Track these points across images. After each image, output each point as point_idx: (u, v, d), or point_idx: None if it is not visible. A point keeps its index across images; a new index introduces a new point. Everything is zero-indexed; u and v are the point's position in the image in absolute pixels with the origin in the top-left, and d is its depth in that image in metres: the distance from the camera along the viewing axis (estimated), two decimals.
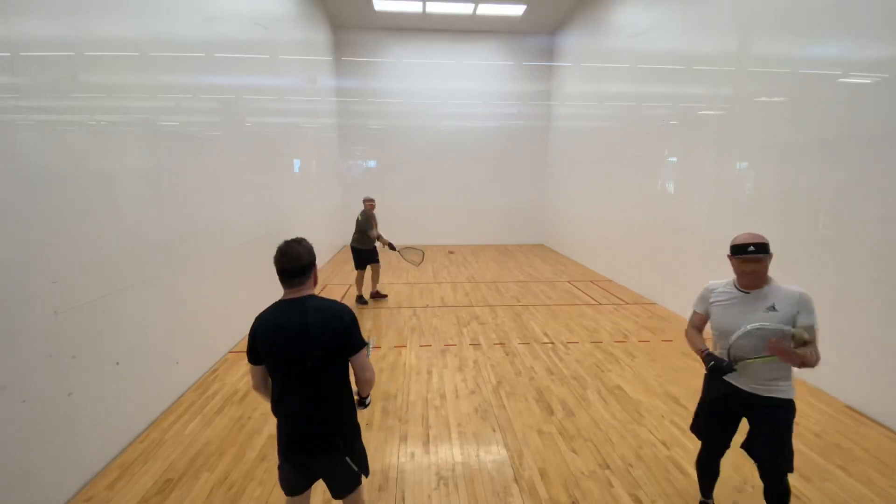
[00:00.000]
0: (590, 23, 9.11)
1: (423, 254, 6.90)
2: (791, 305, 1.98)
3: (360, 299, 6.53)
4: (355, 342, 1.80)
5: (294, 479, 1.90)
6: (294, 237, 1.84)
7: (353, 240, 6.46)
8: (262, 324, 1.81)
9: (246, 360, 1.99)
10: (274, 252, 1.80)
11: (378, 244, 6.48)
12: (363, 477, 1.95)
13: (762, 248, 2.00)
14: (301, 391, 1.78)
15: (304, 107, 8.41)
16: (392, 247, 6.44)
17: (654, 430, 3.27)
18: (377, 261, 6.60)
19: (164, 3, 3.65)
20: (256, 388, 1.90)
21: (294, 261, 1.75)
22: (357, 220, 6.43)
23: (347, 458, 1.86)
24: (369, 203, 6.60)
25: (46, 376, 2.40)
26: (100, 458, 2.82)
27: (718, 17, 5.27)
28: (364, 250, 6.42)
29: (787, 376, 2.08)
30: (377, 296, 6.77)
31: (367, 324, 5.63)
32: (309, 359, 1.74)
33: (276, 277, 1.81)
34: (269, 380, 1.88)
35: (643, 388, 3.93)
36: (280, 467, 1.91)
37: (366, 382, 1.91)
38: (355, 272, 6.54)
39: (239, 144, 5.12)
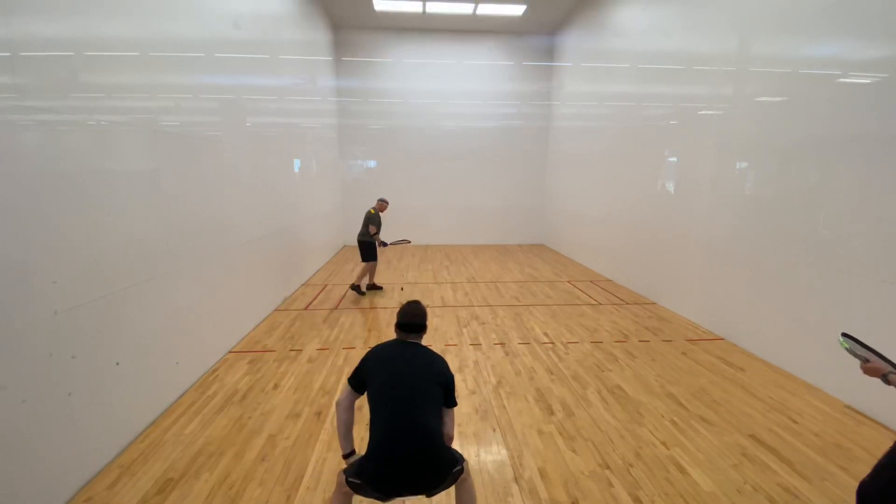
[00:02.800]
0: (590, 23, 9.11)
1: (409, 241, 7.41)
2: None
3: (358, 289, 6.88)
4: (453, 398, 2.09)
5: (382, 499, 1.96)
6: (414, 300, 2.26)
7: (361, 234, 6.85)
8: (376, 351, 2.11)
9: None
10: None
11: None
12: (464, 465, 2.05)
13: None
14: (406, 423, 1.89)
15: (304, 107, 8.41)
16: (384, 244, 6.87)
17: (654, 430, 3.27)
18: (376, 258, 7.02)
19: (165, 3, 3.65)
20: (339, 403, 2.09)
21: (418, 318, 2.16)
22: (368, 213, 6.83)
23: (452, 470, 1.97)
24: (381, 203, 6.98)
25: (46, 376, 2.40)
26: (100, 458, 2.82)
27: (718, 17, 5.27)
28: (371, 243, 6.82)
29: None
30: (373, 287, 7.18)
31: (367, 324, 5.63)
32: (419, 390, 1.95)
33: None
34: (356, 407, 2.13)
35: (643, 388, 3.93)
36: (357, 486, 1.93)
37: (450, 439, 2.09)
38: (359, 267, 6.94)
39: (239, 144, 5.12)
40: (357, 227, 7.13)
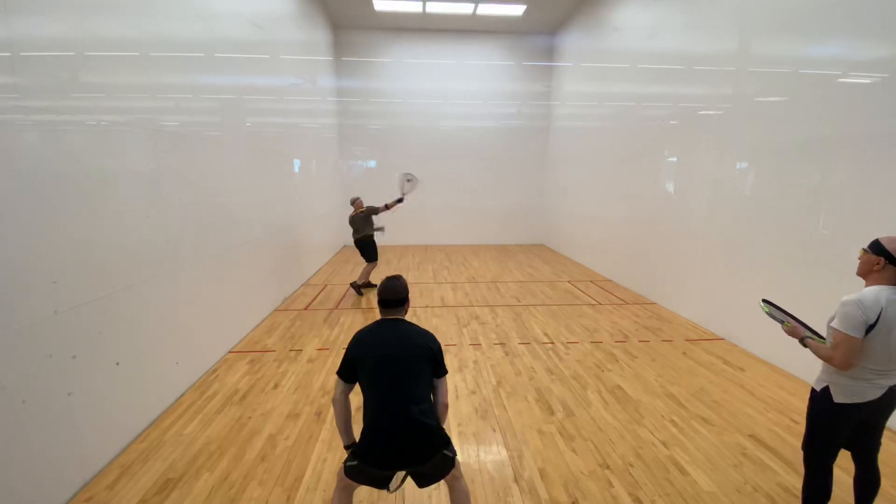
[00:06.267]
0: (590, 23, 9.11)
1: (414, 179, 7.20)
2: None
3: (365, 286, 7.01)
4: (443, 368, 2.11)
5: (379, 478, 2.00)
6: (394, 275, 2.24)
7: (361, 234, 6.86)
8: (359, 337, 2.10)
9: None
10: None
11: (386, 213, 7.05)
12: (456, 460, 2.09)
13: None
14: (396, 399, 1.94)
15: (304, 107, 8.41)
16: (400, 200, 7.00)
17: (654, 430, 3.27)
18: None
19: (164, 3, 3.65)
20: (336, 400, 2.10)
21: (395, 293, 2.15)
22: (360, 214, 6.84)
23: (444, 451, 2.01)
24: (360, 202, 7.10)
25: (46, 376, 2.40)
26: (100, 458, 2.82)
27: (718, 17, 5.27)
28: (373, 241, 6.94)
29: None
30: (369, 285, 7.28)
31: (367, 323, 5.63)
32: (405, 367, 1.98)
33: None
34: (352, 396, 2.10)
35: (643, 388, 3.93)
36: (355, 468, 1.98)
37: (444, 406, 2.13)
38: (361, 267, 7.11)
39: (239, 144, 5.12)
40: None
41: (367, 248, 6.92)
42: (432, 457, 1.96)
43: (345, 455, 2.89)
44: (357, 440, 2.10)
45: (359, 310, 6.21)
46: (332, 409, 2.02)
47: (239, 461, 2.90)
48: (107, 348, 2.87)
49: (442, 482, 2.10)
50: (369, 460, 1.93)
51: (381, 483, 2.00)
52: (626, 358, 4.57)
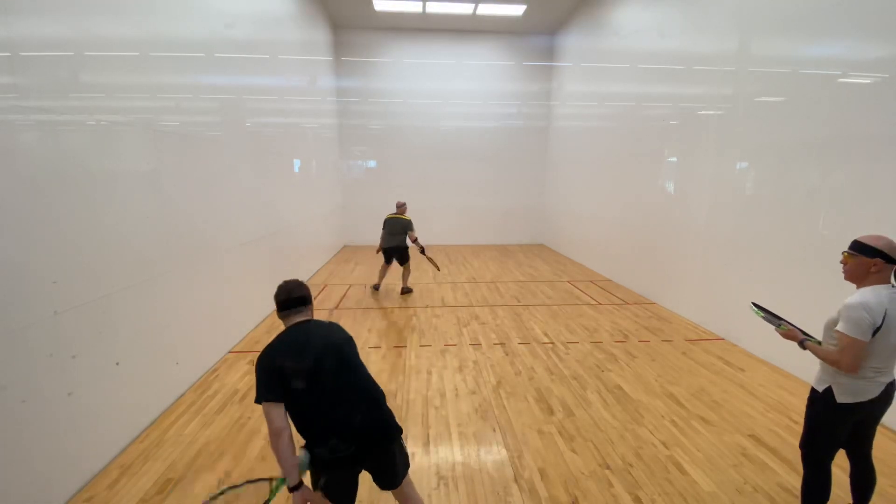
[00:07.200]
0: (590, 23, 9.11)
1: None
2: None
3: (409, 290, 7.11)
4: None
5: (350, 485, 1.95)
6: (291, 279, 2.05)
7: (399, 239, 6.80)
8: (276, 347, 1.87)
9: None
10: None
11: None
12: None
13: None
14: (349, 396, 1.89)
15: (304, 107, 8.41)
16: (422, 249, 7.01)
17: (654, 430, 3.27)
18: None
19: (164, 3, 3.65)
20: (282, 429, 1.77)
21: (291, 293, 1.98)
22: (404, 220, 6.84)
23: (401, 437, 2.01)
24: (404, 207, 7.14)
25: (46, 376, 2.40)
26: (100, 458, 2.82)
27: (718, 17, 5.26)
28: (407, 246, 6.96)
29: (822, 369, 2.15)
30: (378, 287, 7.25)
31: (367, 323, 5.63)
32: (344, 355, 1.93)
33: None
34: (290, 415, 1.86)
35: (643, 388, 3.93)
36: (327, 487, 1.87)
37: None
38: (401, 268, 7.04)
39: (239, 144, 5.12)
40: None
41: (401, 252, 6.86)
42: (398, 436, 1.96)
43: None
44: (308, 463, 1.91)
45: (359, 309, 6.21)
46: (280, 443, 1.80)
47: (239, 461, 2.90)
48: (107, 348, 2.87)
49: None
50: (339, 464, 1.83)
51: (352, 490, 1.95)
52: (626, 358, 4.57)
